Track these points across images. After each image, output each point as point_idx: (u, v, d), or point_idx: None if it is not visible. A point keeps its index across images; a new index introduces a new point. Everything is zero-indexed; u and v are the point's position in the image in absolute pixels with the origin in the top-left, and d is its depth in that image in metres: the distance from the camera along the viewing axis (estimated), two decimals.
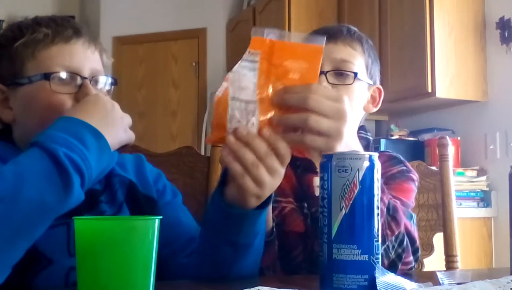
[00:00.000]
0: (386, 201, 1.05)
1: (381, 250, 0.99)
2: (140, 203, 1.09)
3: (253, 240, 0.93)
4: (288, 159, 0.85)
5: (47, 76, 1.01)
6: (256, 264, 1.00)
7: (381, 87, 1.32)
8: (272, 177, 0.85)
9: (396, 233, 1.06)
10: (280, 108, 0.84)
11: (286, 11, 4.11)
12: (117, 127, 0.95)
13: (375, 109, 1.33)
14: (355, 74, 1.22)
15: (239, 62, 0.83)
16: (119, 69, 4.77)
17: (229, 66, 4.88)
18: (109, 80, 1.10)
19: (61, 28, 1.05)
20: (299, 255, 1.17)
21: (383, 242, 1.05)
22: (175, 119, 5.01)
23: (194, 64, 5.02)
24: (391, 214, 1.05)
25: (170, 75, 5.08)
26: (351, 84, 1.22)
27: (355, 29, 1.31)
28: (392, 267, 1.06)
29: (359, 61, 1.25)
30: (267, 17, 4.40)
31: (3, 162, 0.98)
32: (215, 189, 0.92)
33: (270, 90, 0.83)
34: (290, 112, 0.85)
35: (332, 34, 1.24)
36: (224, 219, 0.90)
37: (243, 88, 0.81)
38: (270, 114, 0.83)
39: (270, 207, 1.05)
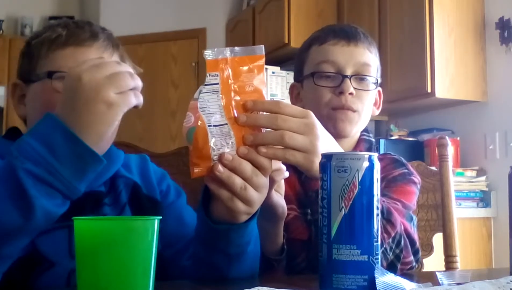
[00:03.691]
0: (380, 206, 1.05)
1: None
2: (144, 204, 1.09)
3: (245, 248, 0.93)
4: (270, 169, 0.84)
5: (50, 74, 1.00)
6: (254, 268, 1.00)
7: (380, 89, 1.32)
8: (260, 193, 0.85)
9: (393, 234, 1.06)
10: (252, 128, 0.83)
11: (286, 11, 4.11)
12: (91, 109, 0.79)
13: (378, 112, 1.33)
14: (377, 80, 1.23)
15: (201, 87, 0.83)
16: None
17: None
18: None
19: (79, 30, 1.04)
20: (302, 262, 1.17)
21: (381, 245, 1.05)
22: (174, 119, 5.01)
23: (193, 64, 5.03)
24: (386, 217, 1.05)
25: (169, 75, 5.08)
26: (372, 90, 1.23)
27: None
28: (391, 268, 1.06)
29: (376, 65, 1.26)
30: (266, 17, 4.40)
31: None
32: (199, 206, 0.91)
33: (235, 107, 0.82)
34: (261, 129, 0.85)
35: (352, 36, 1.24)
36: (212, 234, 0.90)
37: (212, 113, 0.80)
38: (244, 132, 0.83)
39: (281, 225, 1.04)
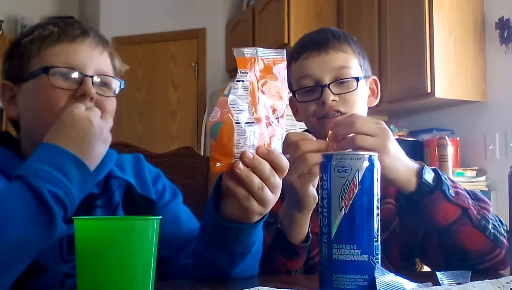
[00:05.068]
0: (463, 191, 1.09)
1: (491, 229, 1.06)
2: (138, 205, 1.08)
3: (250, 248, 0.93)
4: (287, 170, 0.85)
5: (46, 70, 1.01)
6: (254, 267, 1.00)
7: (375, 78, 1.32)
8: (274, 194, 0.85)
9: (490, 209, 1.11)
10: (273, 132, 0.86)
11: (286, 12, 4.11)
12: (96, 145, 0.93)
13: (376, 101, 1.32)
14: (357, 78, 1.23)
15: (232, 84, 0.83)
16: None
17: (229, 66, 4.88)
18: (117, 83, 1.09)
19: (69, 27, 1.05)
20: (316, 255, 1.17)
21: (487, 221, 1.08)
22: (174, 119, 5.02)
23: (193, 64, 5.03)
24: (474, 198, 1.10)
25: (169, 76, 5.08)
26: (355, 89, 1.22)
27: (338, 30, 1.30)
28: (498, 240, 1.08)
29: (353, 62, 1.25)
30: (266, 18, 4.40)
31: (2, 174, 0.99)
32: (209, 202, 0.91)
33: (260, 107, 0.82)
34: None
35: (320, 44, 1.25)
36: (220, 232, 0.90)
37: (241, 110, 0.80)
38: (267, 132, 0.83)
39: (309, 215, 1.06)
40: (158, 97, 5.04)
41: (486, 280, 0.77)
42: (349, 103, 1.22)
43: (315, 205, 1.04)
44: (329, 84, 1.22)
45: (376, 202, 0.78)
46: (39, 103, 1.02)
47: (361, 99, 1.25)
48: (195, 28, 5.02)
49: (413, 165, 1.06)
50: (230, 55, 4.90)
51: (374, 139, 0.99)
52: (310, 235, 1.09)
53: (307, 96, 1.24)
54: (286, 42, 4.08)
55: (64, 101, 1.00)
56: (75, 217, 0.69)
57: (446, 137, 1.64)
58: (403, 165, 1.04)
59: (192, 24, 5.00)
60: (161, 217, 0.72)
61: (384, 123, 1.03)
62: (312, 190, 1.02)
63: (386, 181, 1.03)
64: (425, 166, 1.06)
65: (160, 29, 5.01)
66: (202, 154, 1.56)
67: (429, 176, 1.04)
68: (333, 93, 1.21)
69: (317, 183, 1.03)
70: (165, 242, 1.03)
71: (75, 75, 1.02)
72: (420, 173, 1.04)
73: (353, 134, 1.00)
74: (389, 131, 1.02)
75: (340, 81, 1.22)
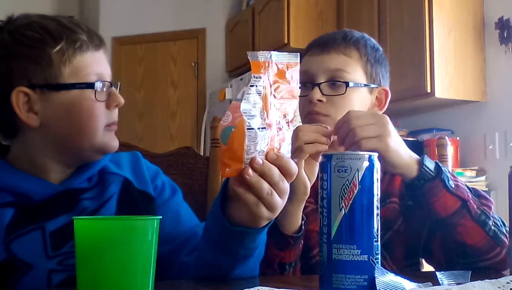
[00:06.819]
0: (464, 186, 1.09)
1: (491, 225, 1.06)
2: (135, 198, 1.08)
3: (253, 251, 0.93)
4: (295, 175, 0.84)
5: (91, 85, 1.01)
6: (255, 269, 1.00)
7: (387, 88, 1.30)
8: (283, 199, 0.84)
9: (492, 206, 1.11)
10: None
11: (285, 12, 4.11)
12: None
13: (380, 112, 1.31)
14: (347, 83, 1.21)
15: (245, 88, 0.82)
16: (118, 70, 4.77)
17: (228, 66, 4.88)
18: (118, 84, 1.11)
19: (91, 35, 1.05)
20: (317, 255, 1.18)
21: (488, 217, 1.08)
22: (174, 119, 5.01)
23: (193, 64, 5.02)
24: (476, 194, 1.10)
25: (169, 76, 5.08)
26: (343, 93, 1.21)
27: (355, 34, 1.29)
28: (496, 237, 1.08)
29: (355, 67, 1.24)
30: (266, 18, 4.40)
31: None
32: (216, 205, 0.90)
33: (272, 112, 0.81)
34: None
35: (325, 44, 1.24)
36: (226, 235, 0.89)
37: (253, 115, 0.79)
38: (277, 137, 0.82)
39: (300, 206, 1.07)
40: (158, 97, 5.04)
41: (486, 280, 0.77)
42: (336, 106, 1.21)
43: (306, 196, 1.06)
44: (319, 83, 1.22)
45: (376, 202, 0.78)
46: (81, 116, 1.01)
47: (353, 105, 1.22)
48: (195, 28, 5.01)
49: (413, 153, 1.08)
50: (230, 55, 4.90)
51: (374, 126, 1.02)
52: (303, 227, 1.09)
53: (302, 92, 1.24)
54: (286, 42, 4.07)
55: (103, 113, 1.03)
56: (75, 217, 0.69)
57: (446, 137, 1.64)
58: (404, 150, 1.05)
59: (192, 24, 5.00)
60: (161, 217, 0.72)
61: (379, 112, 1.06)
62: (303, 176, 1.03)
63: (389, 167, 1.03)
64: (426, 155, 1.07)
65: (160, 29, 5.01)
66: (202, 154, 1.56)
67: (430, 164, 1.06)
68: (323, 94, 1.21)
69: (313, 179, 1.04)
70: (165, 239, 1.03)
71: (108, 85, 1.05)
72: (421, 161, 1.06)
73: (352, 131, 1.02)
74: (386, 116, 1.04)
75: (331, 82, 1.22)
